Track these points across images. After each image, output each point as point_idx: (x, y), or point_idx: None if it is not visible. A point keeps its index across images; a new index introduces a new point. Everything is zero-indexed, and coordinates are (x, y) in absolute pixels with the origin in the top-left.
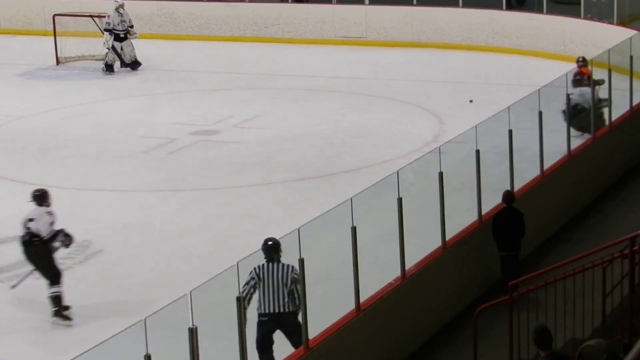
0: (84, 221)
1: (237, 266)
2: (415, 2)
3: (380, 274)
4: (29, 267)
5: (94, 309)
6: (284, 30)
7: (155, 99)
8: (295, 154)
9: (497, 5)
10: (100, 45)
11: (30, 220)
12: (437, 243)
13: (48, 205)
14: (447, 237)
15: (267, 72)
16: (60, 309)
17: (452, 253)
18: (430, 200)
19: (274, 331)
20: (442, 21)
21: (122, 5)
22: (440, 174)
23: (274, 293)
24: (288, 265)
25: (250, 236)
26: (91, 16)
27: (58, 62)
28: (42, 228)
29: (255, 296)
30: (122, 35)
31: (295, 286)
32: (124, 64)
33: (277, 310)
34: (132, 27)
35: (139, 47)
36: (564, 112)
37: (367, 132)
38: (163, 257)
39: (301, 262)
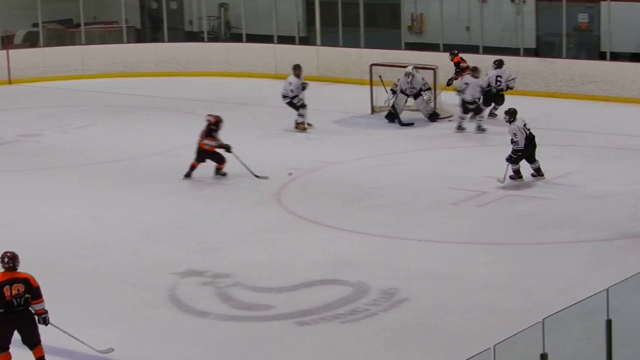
0: (391, 269)
1: (543, 323)
2: None
3: None
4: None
5: (395, 358)
6: (600, 88)
7: (468, 151)
8: (606, 213)
9: None
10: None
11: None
12: None
13: None
14: None
15: (582, 129)
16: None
17: None
18: None
19: None
20: None
21: (411, 74)
22: None
23: None
24: None
25: (554, 295)
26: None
27: (373, 111)
28: None
29: None
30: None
31: None
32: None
33: None
34: (429, 89)
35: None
36: None
37: None
38: (467, 309)
39: (608, 322)
